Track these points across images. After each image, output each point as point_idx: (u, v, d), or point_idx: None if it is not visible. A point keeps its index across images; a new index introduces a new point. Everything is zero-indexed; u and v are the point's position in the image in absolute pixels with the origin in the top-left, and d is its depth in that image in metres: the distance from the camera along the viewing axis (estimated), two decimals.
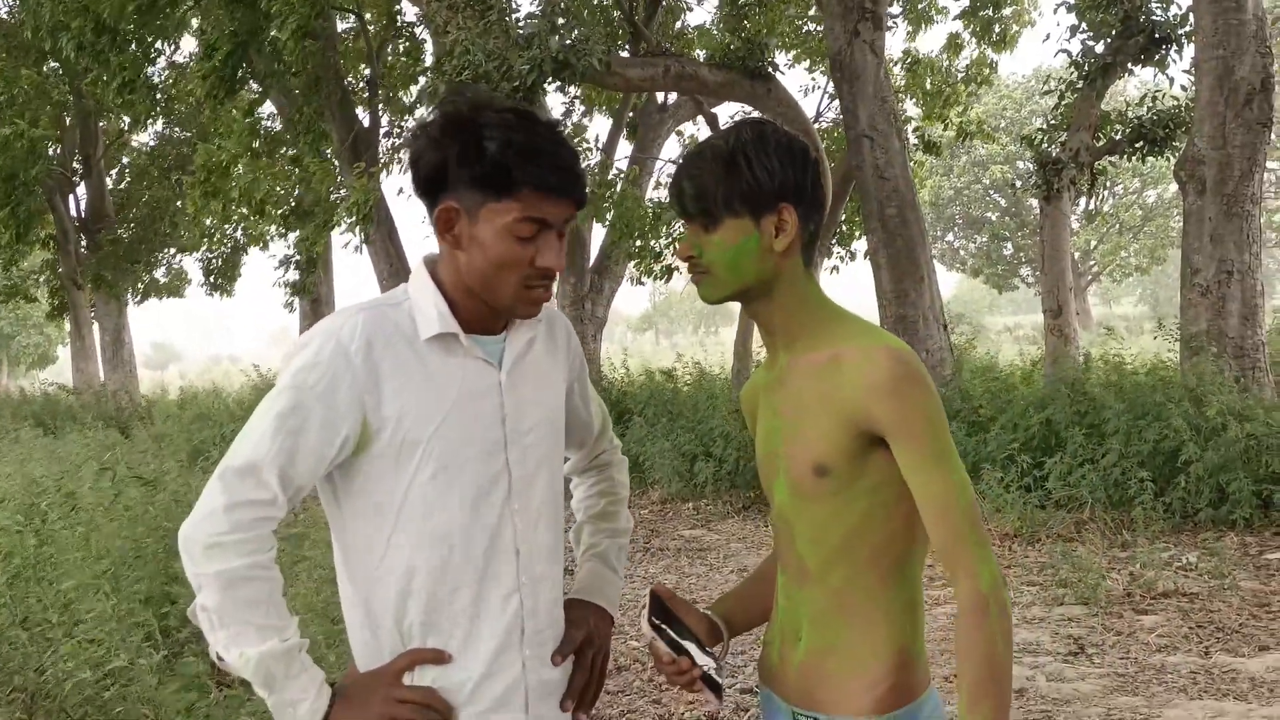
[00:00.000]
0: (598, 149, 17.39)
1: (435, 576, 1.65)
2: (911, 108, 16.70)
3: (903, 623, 1.62)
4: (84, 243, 22.17)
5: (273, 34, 12.19)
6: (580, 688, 1.82)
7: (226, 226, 21.98)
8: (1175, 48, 11.76)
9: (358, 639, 1.72)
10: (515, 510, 1.70)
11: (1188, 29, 11.17)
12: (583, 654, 1.84)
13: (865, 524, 1.61)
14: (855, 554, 1.62)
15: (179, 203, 22.17)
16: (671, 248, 16.17)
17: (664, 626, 1.77)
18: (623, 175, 16.35)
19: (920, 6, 16.12)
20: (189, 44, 18.05)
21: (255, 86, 15.57)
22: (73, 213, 22.42)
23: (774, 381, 1.73)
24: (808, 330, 1.67)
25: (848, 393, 1.56)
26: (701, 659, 1.74)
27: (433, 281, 1.69)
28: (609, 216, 14.41)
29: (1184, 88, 11.80)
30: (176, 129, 22.27)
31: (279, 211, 17.65)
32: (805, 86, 17.18)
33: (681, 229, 11.70)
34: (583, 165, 1.70)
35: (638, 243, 15.38)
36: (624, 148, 17.59)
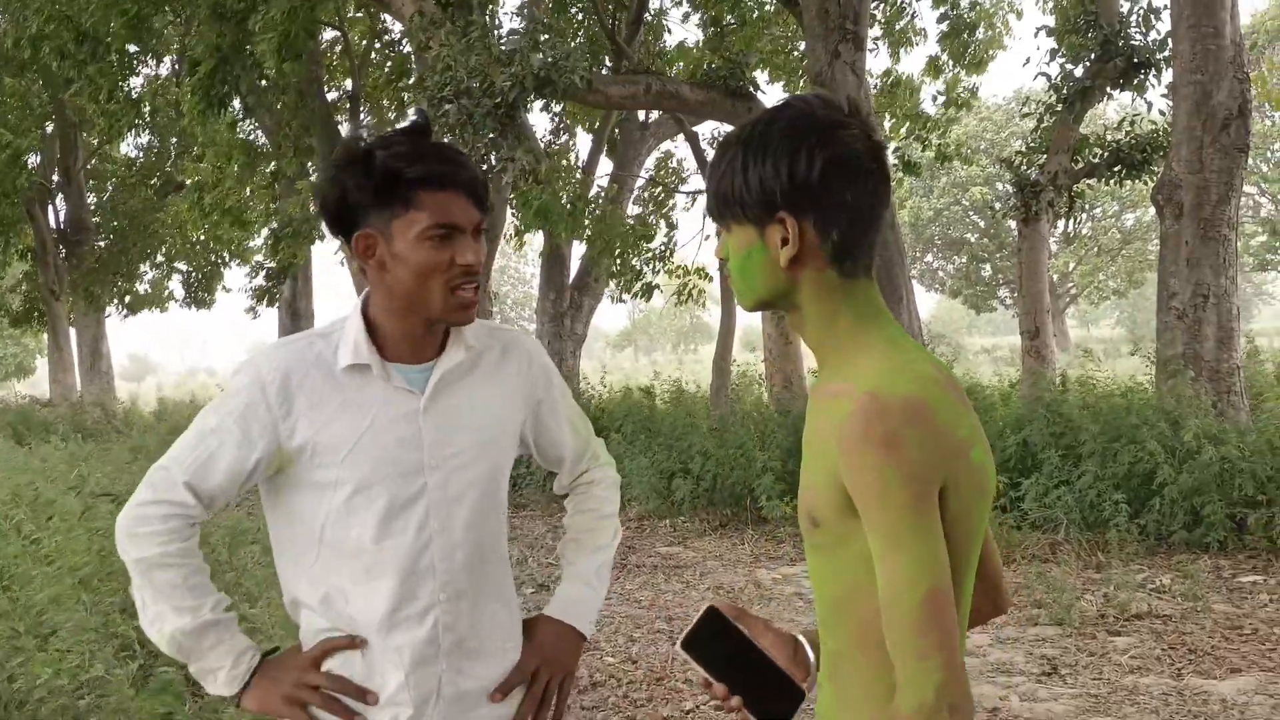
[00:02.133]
0: (579, 167, 17.43)
1: (352, 590, 1.77)
2: (891, 128, 16.82)
3: (885, 709, 1.35)
4: (63, 254, 22.05)
5: (255, 51, 12.18)
6: (529, 713, 1.90)
7: (211, 242, 22.01)
8: (1154, 72, 11.89)
9: (300, 630, 1.85)
10: (435, 530, 1.78)
11: (1166, 54, 11.28)
12: (536, 680, 1.91)
13: (854, 591, 1.38)
14: (846, 619, 1.41)
15: (161, 215, 22.14)
16: (651, 265, 16.20)
17: (717, 644, 1.55)
18: (603, 193, 16.38)
19: (899, 28, 16.26)
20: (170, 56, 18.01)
21: (238, 104, 15.56)
22: (52, 224, 22.30)
23: (810, 405, 1.51)
24: (833, 355, 1.44)
25: (832, 442, 1.34)
26: (749, 684, 1.53)
27: (361, 315, 1.81)
28: (588, 233, 14.41)
29: (1162, 112, 11.92)
30: (157, 141, 22.18)
31: (263, 229, 17.66)
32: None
33: (658, 246, 11.54)
34: (479, 171, 1.79)
35: (618, 260, 15.39)
36: (605, 166, 17.64)
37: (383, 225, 1.72)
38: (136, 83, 17.28)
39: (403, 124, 1.81)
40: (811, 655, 1.59)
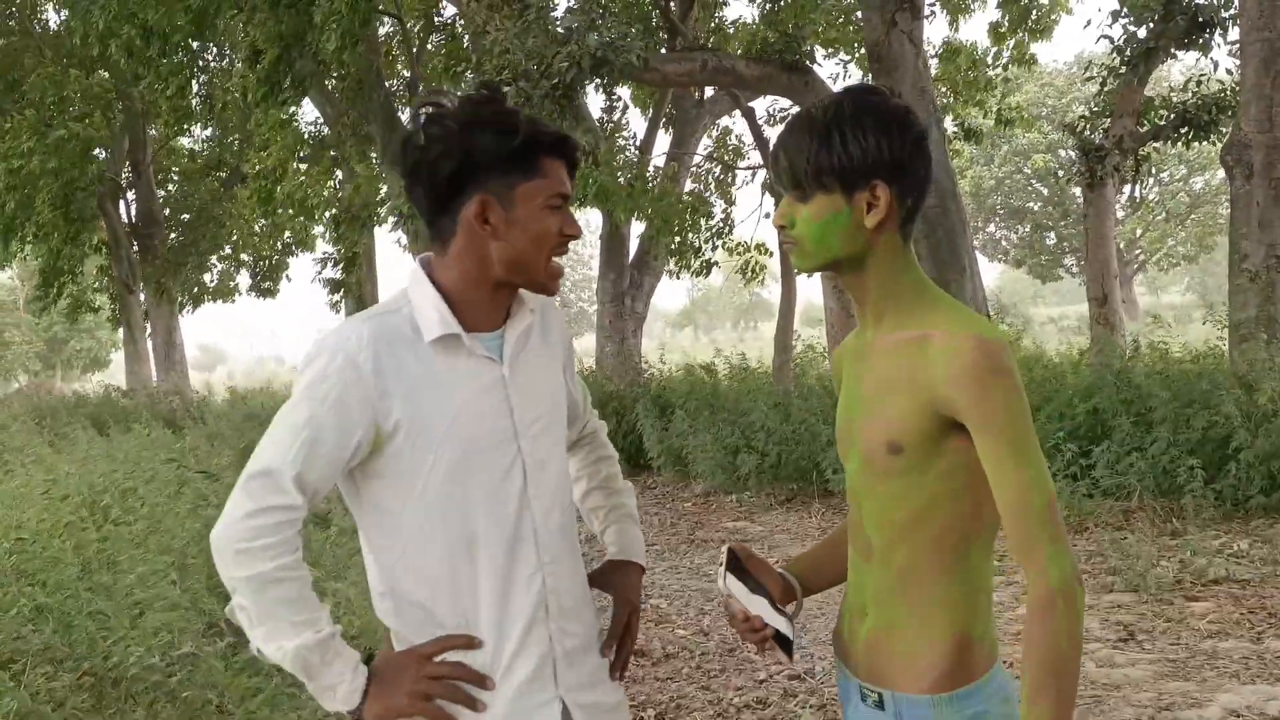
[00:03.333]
0: (635, 146, 17.44)
1: (460, 566, 1.74)
2: (951, 95, 16.61)
3: (962, 608, 1.62)
4: (135, 247, 22.51)
5: (318, 40, 12.31)
6: (626, 656, 1.96)
7: (276, 230, 22.37)
8: (1219, 31, 11.62)
9: (392, 625, 1.81)
10: (532, 496, 1.78)
11: (1232, 12, 11.03)
12: (630, 624, 1.98)
13: (932, 507, 1.60)
14: (919, 536, 1.62)
15: (228, 205, 22.53)
16: (710, 244, 16.18)
17: (741, 582, 1.77)
18: (661, 171, 16.39)
19: None
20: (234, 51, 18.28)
21: (297, 90, 15.74)
22: (124, 218, 22.77)
23: (859, 354, 1.74)
24: (898, 308, 1.65)
25: (930, 376, 1.55)
26: (771, 618, 1.74)
27: (431, 284, 1.76)
28: (648, 212, 14.42)
29: (1229, 71, 11.66)
30: (220, 134, 22.56)
31: (327, 214, 17.89)
32: (835, 75, 17.12)
33: (713, 225, 11.62)
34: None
35: (676, 239, 15.40)
36: (661, 144, 17.63)
37: (503, 190, 1.69)
38: (203, 77, 17.61)
39: (477, 91, 1.76)
40: (798, 588, 1.86)
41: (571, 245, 1.79)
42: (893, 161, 1.59)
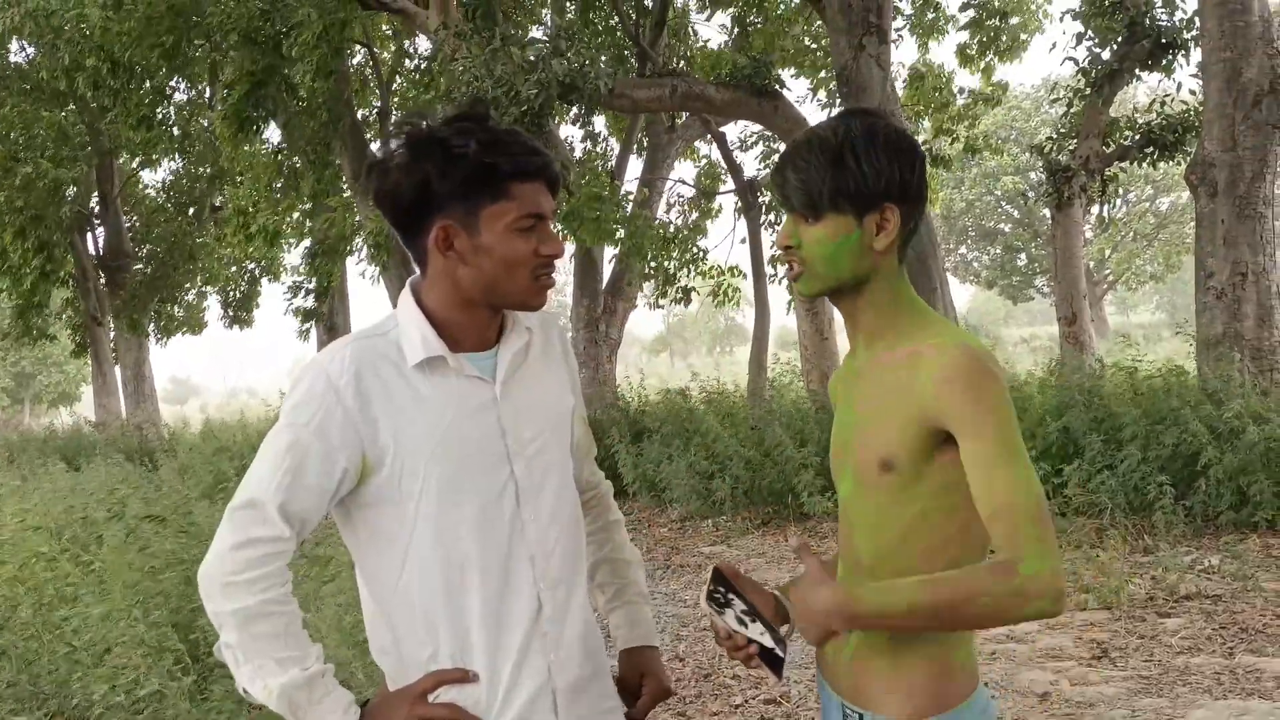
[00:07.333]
0: (609, 173, 17.50)
1: (452, 594, 1.67)
2: (918, 121, 16.76)
3: (948, 632, 1.60)
4: (103, 280, 22.33)
5: (289, 74, 12.32)
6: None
7: (247, 262, 22.26)
8: (1182, 52, 11.80)
9: (386, 661, 1.75)
10: (526, 519, 1.71)
11: (1194, 33, 11.20)
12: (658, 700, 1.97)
13: (921, 523, 1.58)
14: (908, 552, 1.60)
15: (199, 239, 22.40)
16: (685, 270, 16.20)
17: (728, 600, 1.72)
18: (632, 197, 16.44)
19: (929, 18, 16.17)
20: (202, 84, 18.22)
21: (275, 128, 15.69)
22: (91, 250, 22.58)
23: (853, 375, 1.73)
24: (892, 328, 1.65)
25: (920, 388, 1.54)
26: (758, 635, 1.69)
27: (417, 306, 1.72)
28: (619, 237, 14.46)
29: (1193, 92, 11.84)
30: (192, 166, 22.44)
31: (300, 245, 17.80)
32: (803, 99, 17.27)
33: (688, 255, 11.58)
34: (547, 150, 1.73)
35: (651, 264, 15.44)
36: (634, 169, 17.69)
37: (464, 215, 1.65)
38: (171, 109, 17.54)
39: (468, 108, 1.72)
40: (791, 608, 1.74)
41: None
42: (903, 184, 1.61)
